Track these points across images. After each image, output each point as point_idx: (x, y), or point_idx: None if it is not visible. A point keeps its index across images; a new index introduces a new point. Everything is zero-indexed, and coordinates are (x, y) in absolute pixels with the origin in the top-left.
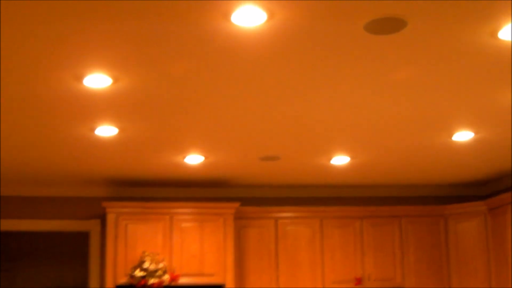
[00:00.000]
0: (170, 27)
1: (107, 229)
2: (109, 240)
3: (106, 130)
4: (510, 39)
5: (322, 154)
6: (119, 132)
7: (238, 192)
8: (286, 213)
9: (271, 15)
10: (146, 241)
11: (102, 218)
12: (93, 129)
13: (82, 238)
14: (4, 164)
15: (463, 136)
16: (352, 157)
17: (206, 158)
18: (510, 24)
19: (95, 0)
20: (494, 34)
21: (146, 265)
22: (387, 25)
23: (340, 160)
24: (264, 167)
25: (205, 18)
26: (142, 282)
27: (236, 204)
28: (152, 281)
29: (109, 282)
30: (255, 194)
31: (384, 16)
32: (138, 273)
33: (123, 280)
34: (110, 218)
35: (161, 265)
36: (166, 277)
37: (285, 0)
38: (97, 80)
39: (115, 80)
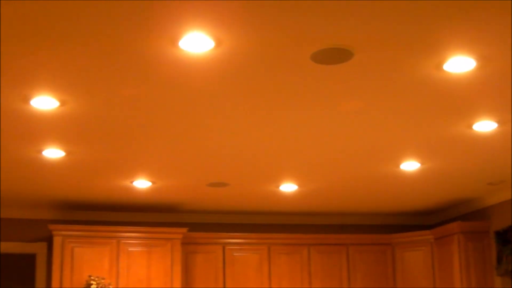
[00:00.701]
0: (118, 52)
1: (53, 252)
2: (55, 263)
3: (53, 152)
4: (455, 71)
5: (271, 181)
6: (66, 155)
7: (186, 217)
8: (234, 239)
9: (218, 43)
10: (92, 265)
11: (49, 241)
12: (40, 151)
13: (29, 260)
14: None
15: (409, 166)
16: (300, 185)
17: (153, 183)
18: (455, 57)
19: (43, 24)
20: (439, 66)
21: None
22: (334, 56)
23: (288, 187)
24: (213, 193)
25: (153, 43)
26: None
27: (184, 230)
28: None
29: None
30: (203, 219)
31: (330, 46)
32: None
33: None
34: (57, 241)
35: None
36: None
37: (233, 28)
38: (44, 102)
39: (62, 103)
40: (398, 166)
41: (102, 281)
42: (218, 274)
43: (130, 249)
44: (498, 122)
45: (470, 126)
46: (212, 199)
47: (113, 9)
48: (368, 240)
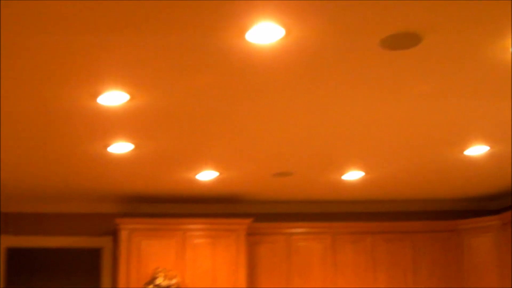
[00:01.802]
0: (186, 43)
1: (120, 245)
2: (122, 256)
3: (120, 147)
4: None
5: (335, 170)
6: (134, 149)
7: (250, 208)
8: (298, 229)
9: (288, 31)
10: (158, 257)
11: (115, 235)
12: (106, 146)
13: (95, 254)
14: (18, 181)
15: (477, 150)
16: (366, 172)
17: (220, 174)
18: None
19: (110, 16)
20: (509, 49)
21: (159, 281)
22: (402, 41)
23: (353, 175)
24: (277, 183)
25: (222, 34)
26: None
27: (248, 220)
28: None
29: None
30: (267, 210)
31: (399, 31)
32: None
33: None
34: (123, 234)
35: (174, 281)
36: None
37: (302, 16)
38: (113, 97)
39: (132, 96)
40: (465, 150)
41: (169, 273)
42: (282, 264)
43: (195, 241)
44: None
45: None
46: (276, 189)
47: (181, 1)
48: (433, 227)
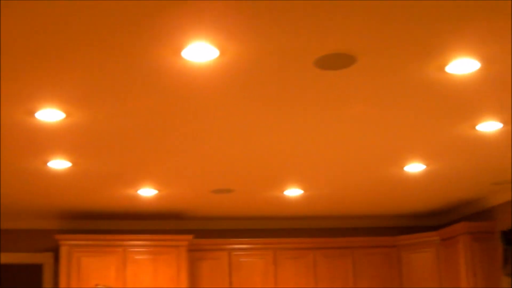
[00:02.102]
0: (121, 62)
1: (60, 261)
2: (62, 272)
3: (59, 163)
4: (458, 73)
5: (275, 187)
6: (72, 166)
7: (191, 224)
8: (239, 245)
9: (222, 51)
10: (99, 273)
11: (55, 251)
12: (46, 162)
13: (36, 270)
14: None
15: (414, 168)
16: (305, 190)
17: (159, 191)
18: (458, 59)
19: (47, 37)
20: (442, 68)
21: None
22: (337, 61)
23: (293, 192)
24: (218, 200)
25: (157, 53)
26: None
27: (190, 237)
28: None
29: None
30: (209, 226)
31: (333, 52)
32: None
33: None
34: (63, 250)
35: None
36: None
37: (236, 37)
38: (50, 115)
39: (68, 114)
40: (403, 168)
41: None
42: (224, 280)
43: (136, 257)
44: (502, 122)
45: (474, 127)
46: (217, 206)
47: (116, 20)
48: (374, 243)
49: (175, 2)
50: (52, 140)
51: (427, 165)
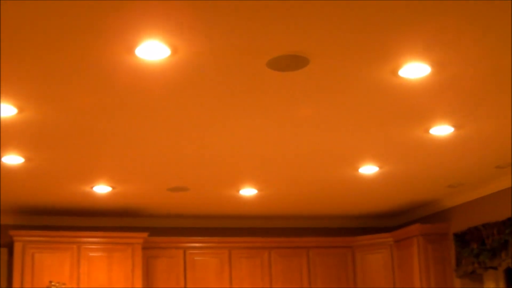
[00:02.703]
0: (74, 59)
1: (14, 258)
2: (16, 269)
3: (12, 159)
4: (410, 77)
5: (230, 186)
6: (26, 161)
7: (146, 222)
8: (194, 244)
9: (174, 50)
10: (53, 270)
11: (10, 247)
12: None
13: None
14: None
15: (368, 170)
16: (259, 189)
17: (113, 188)
18: (410, 63)
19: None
20: (395, 72)
21: None
22: (290, 63)
23: (248, 191)
24: (173, 198)
25: (110, 51)
26: None
27: (145, 234)
28: None
29: None
30: (164, 224)
31: (286, 53)
32: None
33: None
34: (17, 246)
35: None
36: None
37: (189, 36)
38: (2, 110)
39: (20, 110)
40: (356, 169)
41: (63, 286)
42: (179, 279)
43: (90, 254)
44: (454, 126)
45: (427, 131)
46: (172, 204)
47: (70, 17)
48: (329, 243)
49: (128, 0)
50: (5, 135)
51: (380, 167)
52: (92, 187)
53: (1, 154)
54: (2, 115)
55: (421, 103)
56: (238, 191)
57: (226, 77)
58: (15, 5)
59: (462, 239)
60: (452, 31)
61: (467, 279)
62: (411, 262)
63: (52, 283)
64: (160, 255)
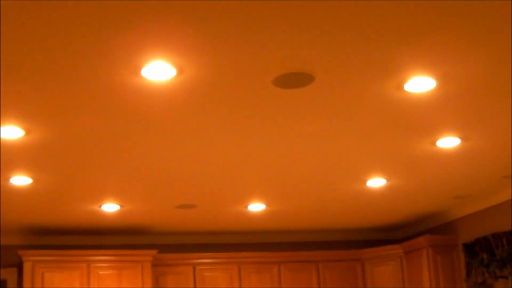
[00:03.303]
0: (81, 81)
1: (24, 277)
2: None
3: (21, 180)
4: (416, 91)
5: (238, 202)
6: (34, 182)
7: (155, 239)
8: (204, 260)
9: (180, 71)
10: None
11: (19, 267)
12: (7, 179)
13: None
14: None
15: (376, 183)
16: (267, 205)
17: (121, 206)
18: (415, 77)
19: (7, 55)
20: (400, 87)
21: None
22: (295, 80)
23: (256, 207)
24: (181, 215)
25: (116, 72)
26: None
27: (154, 252)
28: None
29: None
30: (173, 241)
31: (292, 71)
32: None
33: None
34: (27, 266)
35: None
36: None
37: (194, 56)
38: (9, 132)
39: (27, 132)
40: (364, 183)
41: None
42: None
43: (100, 272)
44: (461, 138)
45: (434, 143)
46: (181, 221)
47: (75, 39)
48: (338, 256)
49: (133, 22)
50: (13, 157)
51: (388, 180)
52: (100, 206)
53: (10, 175)
54: (10, 137)
55: (427, 116)
56: (246, 206)
57: (232, 96)
58: (21, 27)
59: (472, 249)
60: (457, 45)
61: None
62: (420, 273)
63: None
64: (170, 272)
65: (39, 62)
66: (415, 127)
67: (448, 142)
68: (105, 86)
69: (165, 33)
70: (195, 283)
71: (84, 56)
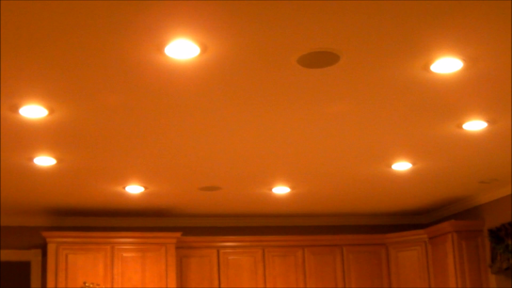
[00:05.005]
0: (104, 59)
1: (48, 259)
2: (50, 270)
3: (44, 160)
4: (442, 72)
5: (262, 184)
6: (57, 162)
7: (179, 221)
8: (228, 243)
9: (204, 49)
10: (87, 271)
11: (43, 248)
12: (31, 159)
13: (23, 268)
14: None
15: (401, 166)
16: (292, 188)
17: (146, 188)
18: (442, 58)
19: (29, 33)
20: (426, 67)
21: None
22: (320, 59)
23: (281, 190)
24: (205, 197)
25: (139, 50)
26: None
27: (178, 234)
28: None
29: None
30: (197, 223)
31: (317, 50)
32: None
33: None
34: (51, 248)
35: None
36: None
37: (218, 34)
38: (33, 111)
39: (51, 111)
40: (389, 166)
41: (97, 287)
42: (212, 278)
43: (124, 254)
44: (487, 121)
45: (460, 126)
46: (205, 203)
47: (99, 17)
48: (362, 241)
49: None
50: (36, 136)
51: (413, 163)
52: (124, 187)
53: (34, 156)
54: (33, 117)
55: (453, 98)
56: (270, 189)
57: (256, 75)
58: (44, 6)
59: (497, 235)
60: (484, 25)
61: (502, 275)
62: (445, 259)
63: (86, 284)
64: (194, 255)
65: (61, 41)
66: (441, 110)
67: (475, 125)
68: (128, 65)
69: (189, 11)
70: (219, 266)
71: (107, 34)
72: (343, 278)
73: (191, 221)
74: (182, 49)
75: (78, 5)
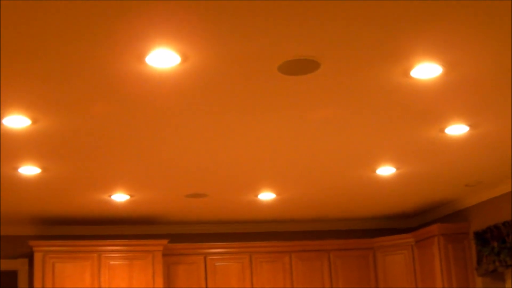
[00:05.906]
0: (86, 69)
1: (35, 268)
2: (37, 279)
3: (29, 169)
4: (422, 78)
5: (248, 191)
6: (42, 172)
7: (166, 229)
8: (215, 249)
9: (184, 58)
10: (74, 279)
11: (30, 257)
12: (16, 168)
13: (11, 277)
14: None
15: (385, 171)
16: (277, 193)
17: (131, 196)
18: (421, 64)
19: (9, 43)
20: (406, 73)
21: None
22: (301, 67)
23: (267, 196)
24: (192, 204)
25: (120, 60)
26: None
27: (165, 241)
28: None
29: None
30: (184, 230)
31: (297, 57)
32: None
33: None
34: (37, 257)
35: None
36: None
37: (199, 43)
38: (16, 121)
39: (34, 121)
40: (374, 171)
41: None
42: (200, 284)
43: (111, 262)
44: (469, 125)
45: (442, 130)
46: (191, 210)
47: (80, 28)
48: (349, 245)
49: (137, 9)
50: (20, 146)
51: (397, 168)
52: (110, 196)
53: (18, 165)
54: (16, 126)
55: (434, 103)
56: (256, 195)
57: (237, 83)
58: (26, 18)
59: (483, 237)
60: (462, 31)
61: (489, 278)
62: (432, 262)
63: None
64: (181, 262)
65: (43, 51)
66: (423, 114)
67: (457, 129)
68: (110, 74)
69: (169, 21)
70: (206, 272)
71: (88, 44)
72: (331, 283)
73: (178, 228)
74: (163, 58)
75: (59, 16)
